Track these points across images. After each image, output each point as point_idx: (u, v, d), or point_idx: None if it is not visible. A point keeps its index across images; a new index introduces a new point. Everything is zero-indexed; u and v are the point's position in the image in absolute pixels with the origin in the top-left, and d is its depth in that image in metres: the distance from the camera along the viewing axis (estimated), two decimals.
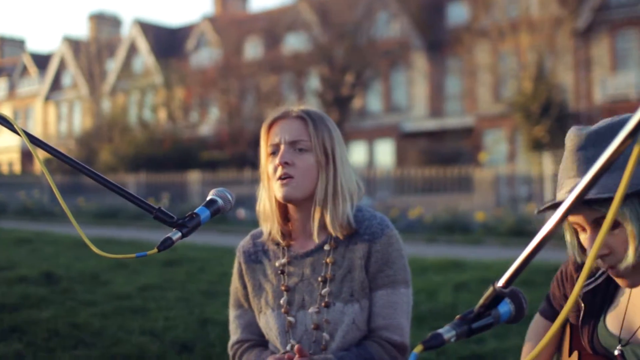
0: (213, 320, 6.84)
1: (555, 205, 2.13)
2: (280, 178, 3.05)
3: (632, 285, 2.18)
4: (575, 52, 37.61)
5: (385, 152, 46.02)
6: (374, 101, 47.43)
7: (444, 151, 40.34)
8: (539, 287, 7.87)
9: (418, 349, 1.61)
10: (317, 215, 3.11)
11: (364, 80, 43.38)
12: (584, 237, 2.18)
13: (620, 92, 36.34)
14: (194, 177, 31.23)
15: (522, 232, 15.76)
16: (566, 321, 2.61)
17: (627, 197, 2.02)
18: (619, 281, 2.20)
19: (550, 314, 2.73)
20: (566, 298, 2.59)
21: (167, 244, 2.53)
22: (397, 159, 44.32)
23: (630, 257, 2.06)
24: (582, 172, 2.13)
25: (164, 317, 7.07)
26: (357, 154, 46.56)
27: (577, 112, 34.99)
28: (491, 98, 40.94)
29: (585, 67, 38.26)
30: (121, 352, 5.58)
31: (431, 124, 43.88)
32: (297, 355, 2.90)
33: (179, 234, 2.56)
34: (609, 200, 2.01)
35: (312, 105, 3.23)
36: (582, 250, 2.25)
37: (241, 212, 23.80)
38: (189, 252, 12.75)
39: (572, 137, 2.18)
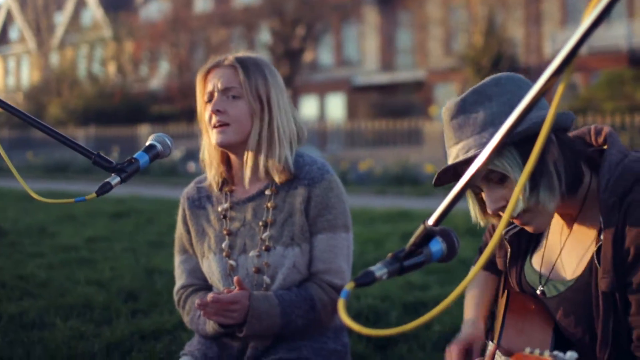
0: (160, 270, 6.84)
1: (449, 174, 2.26)
2: (215, 126, 3.07)
3: (538, 230, 2.25)
4: (525, 6, 37.72)
5: (336, 106, 45.97)
6: (325, 55, 47.26)
7: (395, 105, 40.37)
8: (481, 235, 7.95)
9: (350, 286, 1.63)
10: (250, 161, 3.13)
11: (315, 34, 43.19)
12: (483, 197, 2.26)
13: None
14: (144, 130, 30.95)
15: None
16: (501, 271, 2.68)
17: (503, 149, 2.10)
18: (526, 228, 2.28)
19: (487, 263, 2.80)
20: (499, 243, 2.65)
21: (105, 188, 2.53)
22: (348, 112, 44.31)
23: (520, 203, 2.14)
24: (458, 137, 2.24)
25: (111, 268, 7.05)
26: (308, 107, 46.48)
27: (528, 66, 35.15)
28: (442, 52, 41.00)
29: (536, 21, 38.41)
30: (67, 302, 5.56)
31: (382, 78, 43.86)
32: (236, 288, 2.92)
33: (118, 179, 2.56)
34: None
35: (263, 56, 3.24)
36: (483, 209, 2.32)
37: (192, 166, 23.69)
38: (138, 205, 12.72)
39: (445, 110, 2.32)
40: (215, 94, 3.09)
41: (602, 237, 2.13)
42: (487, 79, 2.28)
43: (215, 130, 3.08)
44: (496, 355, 1.99)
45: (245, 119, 3.10)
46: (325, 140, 28.19)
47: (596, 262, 2.14)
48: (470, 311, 2.69)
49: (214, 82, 3.10)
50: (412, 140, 24.22)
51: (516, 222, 2.24)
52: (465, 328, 2.61)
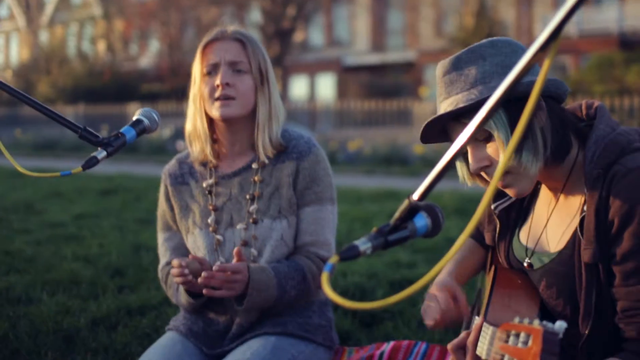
0: (147, 246, 6.84)
1: (435, 130, 2.28)
2: (219, 99, 3.06)
3: (520, 194, 2.26)
4: None
5: (326, 86, 45.92)
6: (315, 35, 47.17)
7: (385, 85, 40.36)
8: (471, 215, 7.98)
9: (334, 259, 1.63)
10: (260, 137, 3.14)
11: (306, 14, 43.02)
12: (468, 157, 2.26)
13: None
14: (133, 109, 30.80)
15: None
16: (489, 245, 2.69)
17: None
18: (508, 192, 2.28)
19: (475, 234, 2.82)
20: (488, 217, 2.66)
21: (91, 162, 2.53)
22: (338, 92, 44.26)
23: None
24: (449, 93, 2.25)
25: (98, 244, 7.05)
26: (299, 87, 46.43)
27: None
28: (432, 33, 40.97)
29: (527, 3, 38.38)
30: (54, 278, 5.56)
31: (373, 59, 43.82)
32: (235, 259, 2.92)
33: (104, 153, 2.56)
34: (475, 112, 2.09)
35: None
36: (469, 166, 2.32)
37: (180, 144, 23.64)
38: (126, 182, 12.70)
39: (439, 67, 2.32)
40: (222, 67, 3.08)
41: (585, 208, 2.14)
42: (485, 40, 2.29)
43: (218, 103, 3.07)
44: (483, 326, 2.00)
45: (250, 94, 3.11)
46: (314, 120, 28.17)
47: (579, 233, 2.15)
48: (444, 271, 2.70)
49: (220, 55, 3.09)
50: (402, 121, 24.21)
51: (498, 184, 2.24)
52: (433, 284, 2.62)
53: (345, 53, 44.89)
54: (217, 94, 3.07)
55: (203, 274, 2.85)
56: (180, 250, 3.30)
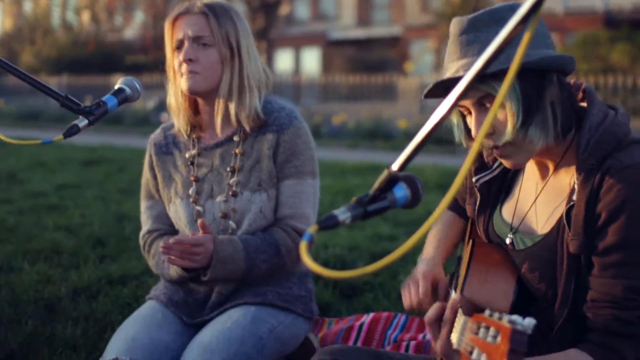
0: (129, 217, 6.84)
1: (441, 87, 2.21)
2: (185, 73, 3.07)
3: (516, 166, 2.24)
4: None
5: (311, 60, 45.77)
6: (301, 8, 46.92)
7: (370, 60, 40.26)
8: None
9: (313, 228, 1.64)
10: (221, 109, 3.13)
11: None
12: (469, 120, 2.23)
13: (546, 5, 36.38)
14: (117, 80, 30.60)
15: (442, 139, 15.88)
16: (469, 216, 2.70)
17: (505, 76, 2.05)
18: (503, 162, 2.25)
19: (454, 206, 2.83)
20: (470, 190, 2.66)
21: (73, 130, 2.52)
22: (323, 67, 44.12)
23: (508, 133, 2.12)
24: (464, 54, 2.19)
25: (80, 214, 7.05)
26: (284, 61, 46.26)
27: None
28: (419, 8, 40.84)
29: None
30: (35, 247, 5.56)
31: (358, 33, 43.67)
32: (200, 231, 2.94)
33: (86, 121, 2.55)
34: (492, 79, 2.08)
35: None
36: (468, 133, 2.30)
37: (165, 116, 23.53)
38: (109, 153, 12.66)
39: (455, 23, 2.25)
40: (186, 42, 3.08)
41: (574, 197, 2.14)
42: (502, 3, 2.24)
43: (184, 78, 3.08)
44: (458, 313, 2.01)
45: (216, 67, 3.09)
46: (299, 94, 28.12)
47: (565, 222, 2.15)
48: (430, 249, 2.72)
49: (184, 30, 3.08)
50: (386, 96, 24.19)
51: (496, 152, 2.21)
52: (421, 264, 2.63)
53: (330, 27, 44.72)
54: (182, 69, 3.08)
55: (160, 243, 2.89)
56: (162, 218, 3.31)
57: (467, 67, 2.13)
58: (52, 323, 3.88)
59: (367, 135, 18.52)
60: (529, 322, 1.62)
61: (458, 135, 2.33)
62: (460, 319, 1.94)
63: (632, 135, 2.16)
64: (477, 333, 1.76)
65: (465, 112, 2.24)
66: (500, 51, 1.50)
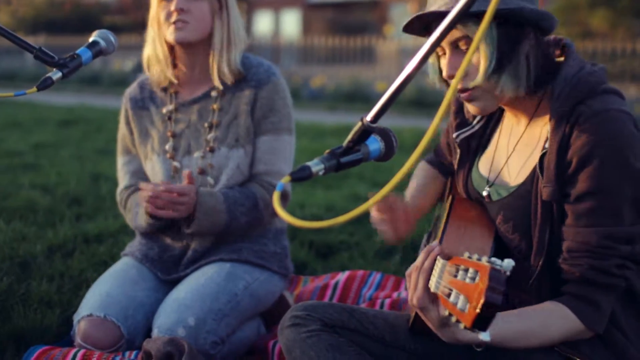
0: (105, 176, 6.80)
1: (419, 24, 2.20)
2: (174, 23, 3.04)
3: (482, 111, 2.24)
4: None
5: (291, 22, 45.51)
6: None
7: (350, 23, 40.07)
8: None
9: (285, 179, 1.64)
10: (215, 61, 3.12)
11: None
12: (443, 62, 2.22)
13: None
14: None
15: (422, 102, 15.82)
16: (450, 173, 2.70)
17: (481, 19, 2.04)
18: (470, 107, 2.25)
19: (435, 162, 2.85)
20: (449, 145, 2.66)
21: (47, 83, 2.50)
22: (303, 29, 43.89)
23: (479, 77, 2.12)
24: None
25: (56, 173, 6.99)
26: (263, 23, 45.98)
27: None
28: None
29: None
30: (11, 206, 5.52)
31: None
32: (185, 181, 2.92)
33: (60, 73, 2.53)
34: (470, 21, 2.08)
35: None
36: (441, 73, 2.29)
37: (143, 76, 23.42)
38: (87, 113, 12.57)
39: None
40: None
41: (547, 145, 2.14)
42: None
43: (173, 27, 3.05)
44: (436, 259, 2.00)
45: (206, 19, 3.08)
46: (278, 56, 27.97)
47: (538, 170, 2.16)
48: (408, 193, 2.73)
49: None
50: (365, 59, 24.09)
51: (464, 95, 2.21)
52: None
53: None
54: (172, 19, 3.05)
55: (149, 193, 2.87)
56: (139, 174, 3.29)
57: (451, 5, 2.10)
58: (27, 280, 3.86)
59: (346, 97, 18.47)
60: (507, 262, 1.63)
61: (432, 75, 2.32)
62: (438, 263, 1.93)
63: (606, 85, 2.16)
64: (455, 275, 1.76)
65: (440, 53, 2.24)
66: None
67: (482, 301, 1.59)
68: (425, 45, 1.59)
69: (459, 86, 2.20)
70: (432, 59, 2.30)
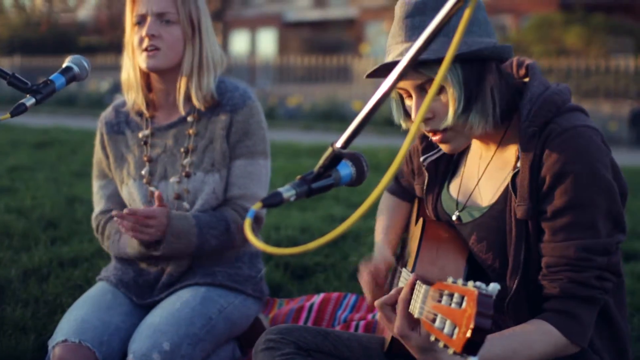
0: (81, 199, 6.77)
1: (384, 69, 2.20)
2: (146, 49, 3.05)
3: (454, 150, 2.28)
4: None
5: (267, 42, 45.62)
6: None
7: (326, 41, 40.22)
8: None
9: (257, 206, 1.65)
10: (182, 87, 3.13)
11: None
12: (409, 103, 2.25)
13: None
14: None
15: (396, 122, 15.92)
16: (415, 197, 2.72)
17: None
18: (442, 147, 2.29)
19: (398, 190, 2.87)
20: (413, 172, 2.69)
21: (20, 109, 2.50)
22: (279, 48, 44.00)
23: (450, 118, 2.15)
24: (409, 37, 2.19)
25: (32, 196, 6.96)
26: (239, 42, 46.07)
27: None
28: None
29: None
30: None
31: (314, 14, 43.62)
32: (156, 204, 2.93)
33: (33, 100, 2.53)
34: (435, 64, 2.11)
35: None
36: (407, 116, 2.32)
37: (119, 98, 23.36)
38: (62, 135, 12.52)
39: (401, 5, 2.24)
40: (149, 18, 3.06)
41: (519, 164, 2.17)
42: None
43: (145, 54, 3.06)
44: (417, 284, 2.01)
45: (178, 45, 3.09)
46: (254, 75, 28.01)
47: (511, 189, 2.18)
48: (378, 236, 2.75)
49: (148, 6, 3.07)
50: (342, 78, 24.15)
51: (435, 137, 2.24)
52: (375, 253, 2.67)
53: (286, 8, 44.61)
54: (143, 45, 3.06)
55: (114, 212, 2.88)
56: (116, 198, 3.29)
57: (405, 53, 2.13)
58: (1, 305, 3.85)
59: (322, 117, 18.53)
60: (493, 286, 1.64)
61: (397, 117, 2.35)
62: (420, 289, 1.94)
63: (571, 103, 2.21)
64: (439, 300, 1.76)
65: (405, 95, 2.27)
66: (435, 35, 1.52)
67: (472, 326, 1.60)
68: (377, 94, 1.62)
69: (427, 128, 2.23)
70: (395, 103, 2.33)
